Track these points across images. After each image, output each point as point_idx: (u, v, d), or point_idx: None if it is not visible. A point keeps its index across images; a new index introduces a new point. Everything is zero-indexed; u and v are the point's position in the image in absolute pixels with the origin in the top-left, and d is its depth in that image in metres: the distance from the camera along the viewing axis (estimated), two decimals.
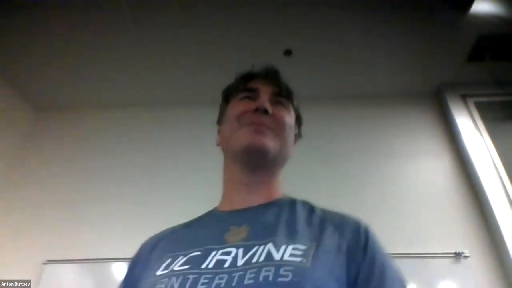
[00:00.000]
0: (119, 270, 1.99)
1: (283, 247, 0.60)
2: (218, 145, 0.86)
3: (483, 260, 1.88)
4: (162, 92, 2.61)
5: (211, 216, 0.80)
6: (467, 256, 1.87)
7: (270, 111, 0.75)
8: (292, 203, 0.75)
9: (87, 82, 2.51)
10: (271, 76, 0.85)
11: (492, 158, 2.16)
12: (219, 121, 0.88)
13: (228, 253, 0.61)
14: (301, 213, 0.72)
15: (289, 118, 0.81)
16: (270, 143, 0.72)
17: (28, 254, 2.02)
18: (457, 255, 1.87)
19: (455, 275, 1.84)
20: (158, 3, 2.03)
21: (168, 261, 0.65)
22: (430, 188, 2.18)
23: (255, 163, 0.74)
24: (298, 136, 0.89)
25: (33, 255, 2.00)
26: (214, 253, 0.62)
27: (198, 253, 0.63)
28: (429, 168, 2.27)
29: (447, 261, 1.88)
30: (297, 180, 2.24)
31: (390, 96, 2.58)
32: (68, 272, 2.00)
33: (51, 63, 2.35)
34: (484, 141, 2.24)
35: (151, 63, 2.38)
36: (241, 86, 0.83)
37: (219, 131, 0.87)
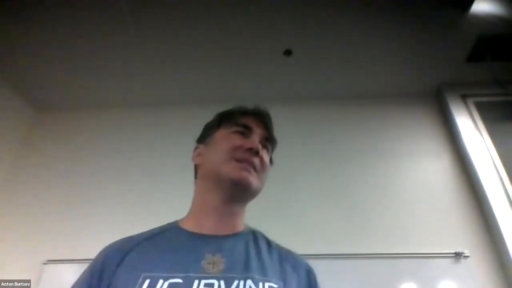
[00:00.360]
0: None
1: (260, 284, 0.65)
2: (194, 161, 0.93)
3: (483, 260, 1.88)
4: (162, 92, 2.61)
5: (179, 234, 0.80)
6: (467, 256, 1.87)
7: (259, 152, 0.83)
8: (254, 236, 0.82)
9: (87, 82, 2.51)
10: (264, 120, 0.92)
11: (492, 158, 2.16)
12: (202, 140, 0.95)
13: (211, 285, 0.64)
14: (263, 248, 0.78)
15: (268, 162, 0.89)
16: (254, 181, 0.81)
17: (28, 254, 2.02)
18: (457, 255, 1.87)
19: (455, 275, 1.84)
20: (158, 3, 2.03)
21: (147, 283, 0.65)
22: (430, 188, 2.18)
23: (236, 195, 0.81)
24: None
25: (33, 255, 2.00)
26: (196, 283, 0.65)
27: (179, 280, 0.65)
28: (429, 168, 2.27)
29: (447, 261, 1.88)
30: (297, 180, 2.25)
31: (390, 96, 2.58)
32: (68, 272, 2.00)
33: (51, 63, 2.35)
34: (484, 141, 2.24)
35: (151, 63, 2.38)
36: (236, 120, 0.89)
37: (197, 148, 0.94)
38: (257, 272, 0.68)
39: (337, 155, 2.35)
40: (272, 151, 0.94)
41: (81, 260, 2.01)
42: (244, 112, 0.92)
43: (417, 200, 2.12)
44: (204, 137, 0.95)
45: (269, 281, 0.67)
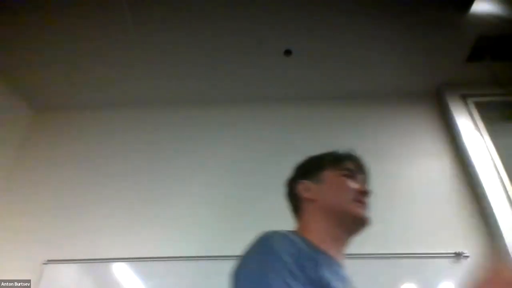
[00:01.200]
0: (119, 270, 1.99)
1: None
2: (302, 195, 1.01)
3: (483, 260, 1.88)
4: (162, 92, 2.61)
5: (327, 258, 0.86)
6: (467, 256, 1.87)
7: (369, 193, 0.99)
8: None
9: (87, 82, 2.51)
10: (362, 166, 1.07)
11: (492, 158, 2.16)
12: (308, 177, 1.04)
13: None
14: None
15: None
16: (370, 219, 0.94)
17: (28, 254, 2.02)
18: (457, 255, 1.87)
19: (455, 275, 1.83)
20: (158, 3, 2.03)
21: None
22: (430, 188, 2.18)
23: (357, 230, 0.95)
24: None
25: (33, 255, 2.00)
26: None
27: None
28: (429, 168, 2.27)
29: (447, 261, 1.88)
30: None
31: (390, 96, 2.58)
32: (68, 272, 2.00)
33: (50, 63, 2.35)
34: (484, 141, 2.24)
35: (151, 63, 2.38)
36: (341, 164, 1.02)
37: (303, 184, 1.03)
38: None
39: None
40: None
41: (81, 260, 2.01)
42: (344, 157, 1.05)
43: (417, 200, 2.12)
44: (310, 174, 1.04)
45: None
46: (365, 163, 1.08)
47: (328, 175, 1.02)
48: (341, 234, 0.94)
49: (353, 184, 0.98)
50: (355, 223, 0.94)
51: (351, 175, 1.00)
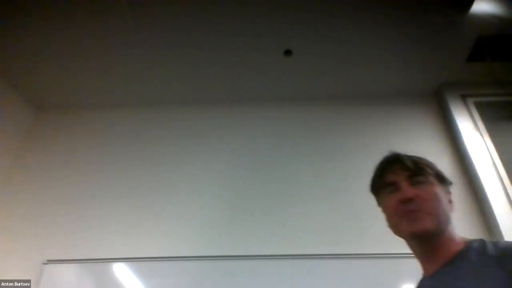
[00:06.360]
0: (119, 270, 1.99)
1: None
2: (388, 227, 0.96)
3: None
4: (162, 92, 2.61)
5: (419, 284, 0.92)
6: None
7: (412, 196, 0.86)
8: (466, 253, 0.82)
9: (87, 82, 2.51)
10: (397, 164, 0.95)
11: (492, 158, 2.16)
12: (379, 205, 1.00)
13: None
14: (473, 260, 0.79)
15: (432, 189, 0.90)
16: (427, 224, 0.84)
17: (28, 254, 2.02)
18: None
19: None
20: (158, 4, 2.03)
21: None
22: None
23: (424, 243, 0.87)
24: (448, 189, 0.96)
25: (33, 255, 2.00)
26: None
27: None
28: None
29: None
30: (297, 180, 2.25)
31: (390, 96, 2.58)
32: (68, 272, 2.00)
33: (51, 63, 2.35)
34: (484, 141, 2.24)
35: (151, 63, 2.38)
36: (381, 183, 0.96)
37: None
38: None
39: (337, 155, 2.35)
40: (434, 174, 0.95)
41: (81, 260, 2.02)
42: (381, 172, 0.98)
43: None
44: (378, 204, 1.01)
45: None
46: (400, 156, 0.98)
47: (381, 201, 0.98)
48: (420, 252, 0.89)
49: (391, 202, 0.91)
50: (413, 239, 0.88)
51: (395, 188, 0.91)
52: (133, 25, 2.11)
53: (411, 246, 0.91)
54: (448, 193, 0.95)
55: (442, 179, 0.95)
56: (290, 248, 1.96)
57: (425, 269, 0.90)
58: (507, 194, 2.01)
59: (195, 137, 2.50)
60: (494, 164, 2.14)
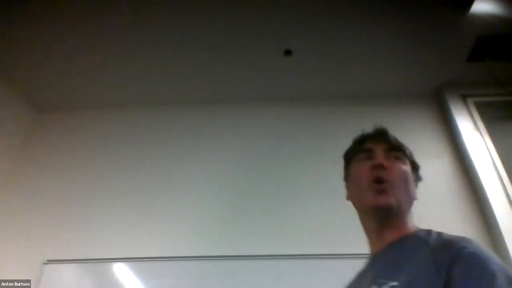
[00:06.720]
0: (119, 270, 1.99)
1: (384, 286, 0.70)
2: (347, 199, 0.98)
3: None
4: (162, 92, 2.61)
5: (366, 261, 0.92)
6: None
7: (385, 165, 0.87)
8: (411, 238, 0.84)
9: (87, 82, 2.51)
10: (381, 135, 0.97)
11: (492, 158, 2.16)
12: (346, 178, 1.01)
13: None
14: (412, 249, 0.79)
15: (404, 168, 0.92)
16: (393, 199, 0.84)
17: (28, 254, 2.02)
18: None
19: None
20: (158, 3, 2.03)
21: None
22: (430, 188, 2.17)
23: (382, 219, 0.86)
24: (417, 179, 1.00)
25: (33, 255, 2.00)
26: None
27: None
28: (429, 168, 2.26)
29: None
30: (297, 180, 2.25)
31: (390, 96, 2.58)
32: (68, 272, 2.00)
33: (51, 63, 2.35)
34: (484, 141, 2.24)
35: (151, 63, 2.38)
36: (358, 149, 0.96)
37: (346, 187, 1.01)
38: (388, 276, 0.72)
39: (337, 155, 2.35)
40: (408, 157, 0.97)
41: (81, 260, 2.02)
42: (362, 138, 0.98)
43: (416, 200, 2.12)
44: (345, 175, 1.01)
45: (392, 281, 0.69)
46: (385, 130, 0.99)
47: (352, 168, 0.95)
48: (375, 227, 0.87)
49: (363, 166, 0.89)
50: (374, 212, 0.86)
51: (369, 155, 0.91)
52: (133, 25, 2.11)
53: (365, 220, 0.90)
54: (416, 184, 0.97)
55: (415, 167, 0.98)
56: (290, 248, 1.96)
57: (371, 248, 0.90)
58: (507, 194, 2.01)
59: (195, 137, 2.50)
60: (494, 164, 2.14)
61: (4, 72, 2.39)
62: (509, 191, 2.02)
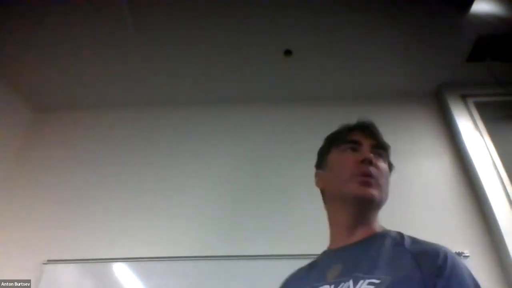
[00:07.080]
0: (119, 270, 1.99)
1: (360, 282, 0.69)
2: (317, 186, 0.99)
3: (483, 260, 1.88)
4: (162, 92, 2.61)
5: (324, 255, 0.94)
6: (467, 256, 1.86)
7: (374, 161, 0.87)
8: (382, 237, 0.84)
9: (86, 82, 2.51)
10: (369, 130, 0.96)
11: (492, 158, 2.16)
12: (319, 166, 1.01)
13: None
14: (386, 247, 0.79)
15: (386, 168, 0.93)
16: (376, 193, 0.85)
17: (28, 254, 2.02)
18: (457, 255, 1.87)
19: None
20: (158, 3, 2.03)
21: None
22: (430, 188, 2.18)
23: (361, 210, 0.86)
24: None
25: (33, 255, 2.00)
26: None
27: None
28: (429, 168, 2.27)
29: None
30: (296, 181, 2.25)
31: (390, 96, 2.58)
32: (68, 272, 2.00)
33: (51, 63, 2.35)
34: (484, 141, 2.24)
35: (151, 63, 2.38)
36: (344, 138, 0.95)
37: (317, 175, 1.00)
38: (364, 271, 0.72)
39: None
40: (388, 157, 0.98)
41: (81, 260, 2.01)
42: (349, 129, 0.97)
43: (416, 200, 2.12)
44: (320, 163, 1.01)
45: (371, 278, 0.69)
46: (374, 126, 0.97)
47: (333, 156, 0.95)
48: (349, 219, 0.87)
49: (350, 157, 0.89)
50: (354, 203, 0.85)
51: (355, 147, 0.91)
52: (133, 25, 2.11)
53: (338, 212, 0.89)
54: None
55: (390, 169, 0.99)
56: (290, 248, 1.95)
57: (335, 240, 0.91)
58: (507, 194, 2.01)
59: (195, 137, 2.50)
60: (494, 164, 2.14)
61: (3, 72, 2.38)
62: (509, 191, 2.02)
